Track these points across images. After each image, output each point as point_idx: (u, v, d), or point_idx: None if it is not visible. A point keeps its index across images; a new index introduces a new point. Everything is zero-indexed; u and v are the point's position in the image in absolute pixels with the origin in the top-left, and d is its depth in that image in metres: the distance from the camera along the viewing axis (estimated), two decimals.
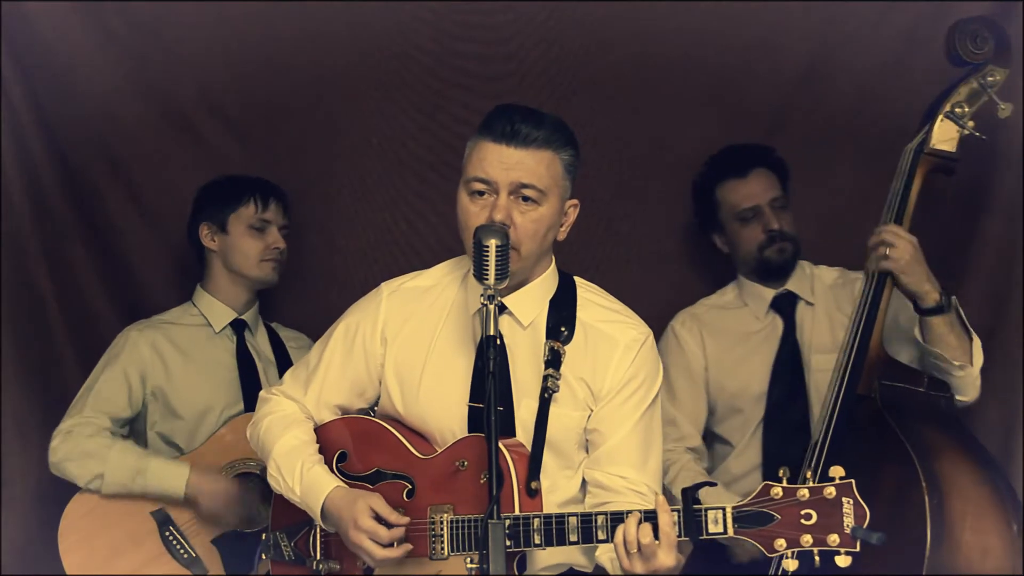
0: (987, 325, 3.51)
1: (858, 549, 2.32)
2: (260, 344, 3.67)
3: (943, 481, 3.01)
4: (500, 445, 2.45)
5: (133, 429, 3.53)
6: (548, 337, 2.65)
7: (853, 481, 2.35)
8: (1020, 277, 3.63)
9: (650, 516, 2.43)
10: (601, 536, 2.46)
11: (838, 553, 2.33)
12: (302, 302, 3.88)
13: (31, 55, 3.70)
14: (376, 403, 2.79)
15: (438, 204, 3.79)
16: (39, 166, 3.75)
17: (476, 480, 2.55)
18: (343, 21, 3.84)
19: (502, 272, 2.47)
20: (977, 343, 3.26)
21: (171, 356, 3.55)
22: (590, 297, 2.73)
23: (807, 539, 2.34)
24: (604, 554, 2.57)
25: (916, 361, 3.35)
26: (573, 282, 2.75)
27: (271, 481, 2.73)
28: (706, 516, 2.41)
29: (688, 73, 3.87)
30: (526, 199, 2.57)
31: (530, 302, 2.68)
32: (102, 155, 3.85)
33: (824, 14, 3.81)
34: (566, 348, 2.64)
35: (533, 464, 2.57)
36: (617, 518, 2.45)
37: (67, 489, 3.40)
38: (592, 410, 2.66)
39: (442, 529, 2.58)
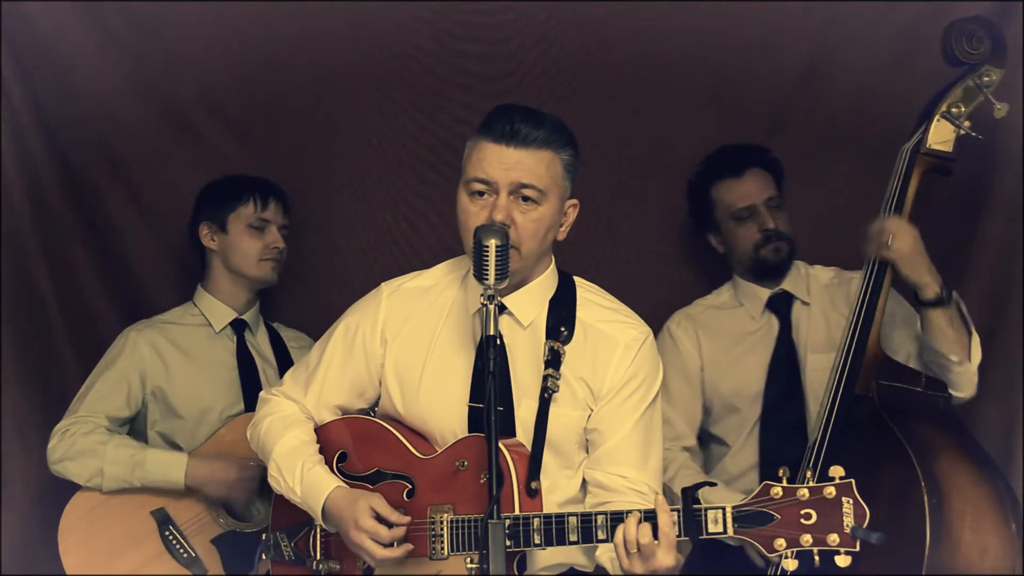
0: (987, 325, 3.51)
1: (858, 549, 2.33)
2: (260, 344, 3.67)
3: (942, 481, 3.02)
4: (500, 445, 2.45)
5: (133, 429, 3.53)
6: (548, 337, 2.65)
7: (853, 481, 2.35)
8: (1020, 277, 3.63)
9: (650, 516, 2.43)
10: (601, 536, 2.46)
11: (838, 553, 2.33)
12: (302, 302, 3.88)
13: (31, 55, 3.70)
14: (376, 403, 2.80)
15: (438, 204, 3.80)
16: (39, 166, 3.75)
17: (476, 480, 2.55)
18: (343, 21, 3.84)
19: (502, 272, 2.47)
20: (976, 339, 3.26)
21: (171, 356, 3.55)
22: (590, 297, 2.73)
23: (807, 539, 2.35)
24: (604, 554, 2.57)
25: (914, 358, 3.35)
26: (573, 282, 2.75)
27: (271, 482, 2.73)
28: (706, 516, 2.42)
29: (688, 73, 3.87)
30: (526, 199, 2.57)
31: (530, 302, 2.68)
32: (102, 155, 3.85)
33: (824, 14, 3.81)
34: (566, 348, 2.64)
35: (533, 464, 2.57)
36: (617, 518, 2.45)
37: (67, 489, 3.41)
38: (592, 410, 2.66)
39: (442, 529, 2.58)
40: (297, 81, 3.89)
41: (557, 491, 2.63)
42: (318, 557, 2.73)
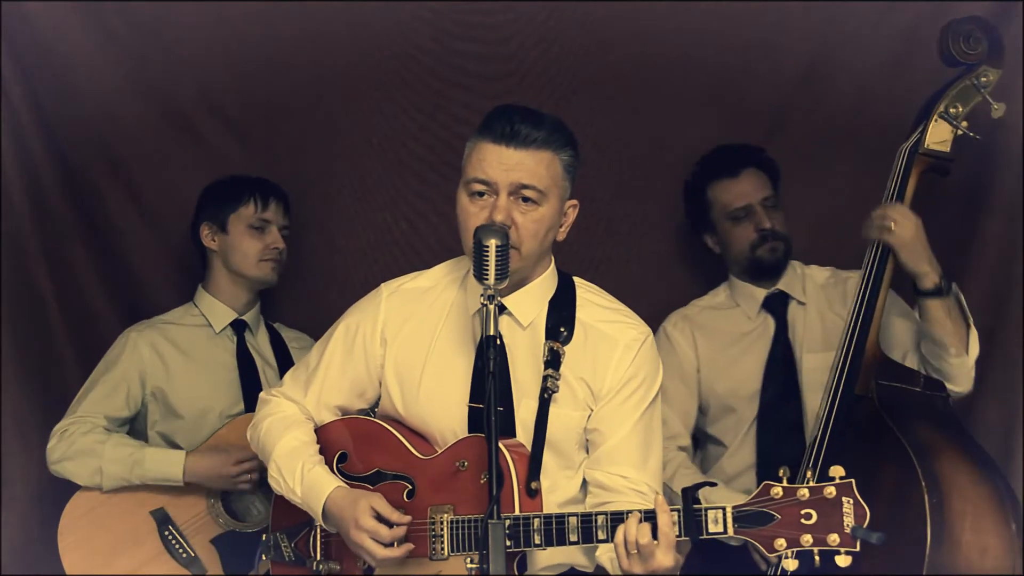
0: (987, 325, 3.51)
1: (858, 549, 2.32)
2: (261, 345, 3.67)
3: (942, 481, 3.02)
4: (500, 445, 2.45)
5: (134, 429, 3.54)
6: (547, 337, 2.65)
7: (853, 481, 2.35)
8: (1020, 277, 3.64)
9: (650, 516, 2.43)
10: (601, 536, 2.46)
11: (838, 553, 2.33)
12: (302, 302, 3.88)
13: (31, 55, 3.70)
14: (376, 404, 2.80)
15: (438, 204, 3.79)
16: (39, 166, 3.75)
17: (476, 480, 2.55)
18: (343, 21, 3.84)
19: (502, 272, 2.47)
20: (974, 333, 3.27)
21: (171, 356, 3.55)
22: (589, 297, 2.73)
23: (807, 539, 2.34)
24: (604, 554, 2.57)
25: (911, 353, 3.36)
26: (572, 282, 2.75)
27: (272, 482, 2.73)
28: (706, 516, 2.41)
29: (688, 73, 3.87)
30: (526, 200, 2.57)
31: (529, 302, 2.68)
32: (102, 155, 3.85)
33: (824, 14, 3.81)
34: (565, 348, 2.64)
35: (533, 464, 2.57)
36: (617, 518, 2.45)
37: (67, 489, 3.41)
38: (592, 410, 2.66)
39: (442, 529, 2.58)
40: (297, 81, 3.89)
41: (557, 491, 2.63)
42: (318, 558, 2.73)
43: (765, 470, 3.46)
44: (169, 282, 3.89)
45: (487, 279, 2.46)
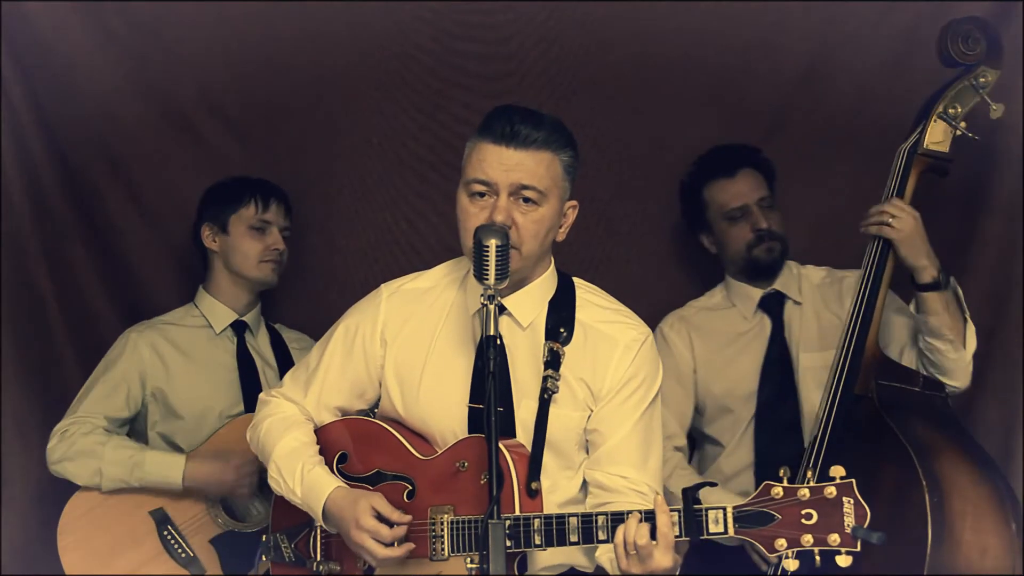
0: (987, 325, 3.52)
1: (859, 549, 2.32)
2: (261, 346, 3.67)
3: (943, 480, 3.02)
4: (500, 445, 2.44)
5: (134, 429, 3.54)
6: (547, 338, 2.65)
7: (854, 481, 2.35)
8: (1020, 277, 3.64)
9: (650, 516, 2.43)
10: (602, 536, 2.46)
11: (839, 553, 2.33)
12: (302, 302, 3.88)
13: (31, 55, 3.70)
14: (376, 404, 2.80)
15: (439, 204, 3.79)
16: (39, 166, 3.75)
17: (476, 481, 2.55)
18: (343, 21, 3.84)
19: (502, 272, 2.47)
20: (971, 327, 3.28)
21: (171, 357, 3.55)
22: (589, 298, 2.73)
23: (808, 539, 2.34)
24: (604, 554, 2.57)
25: (908, 349, 3.37)
26: (572, 283, 2.75)
27: (272, 483, 2.73)
28: (707, 516, 2.41)
29: (688, 73, 3.87)
30: (526, 200, 2.57)
31: (529, 303, 2.68)
32: (102, 155, 3.85)
33: (824, 14, 3.81)
34: (565, 349, 2.63)
35: (533, 464, 2.57)
36: (618, 518, 2.45)
37: (66, 489, 3.41)
38: (592, 410, 2.65)
39: (442, 530, 2.58)
40: (297, 81, 3.89)
41: (557, 491, 2.63)
42: (318, 558, 2.73)
43: (763, 469, 3.47)
44: (169, 282, 3.89)
45: (487, 279, 2.46)
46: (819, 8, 3.81)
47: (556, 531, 2.47)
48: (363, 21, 3.83)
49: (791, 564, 2.37)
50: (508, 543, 2.44)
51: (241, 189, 3.60)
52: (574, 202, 2.68)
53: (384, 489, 2.64)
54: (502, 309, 2.63)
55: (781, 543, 2.36)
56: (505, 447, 2.52)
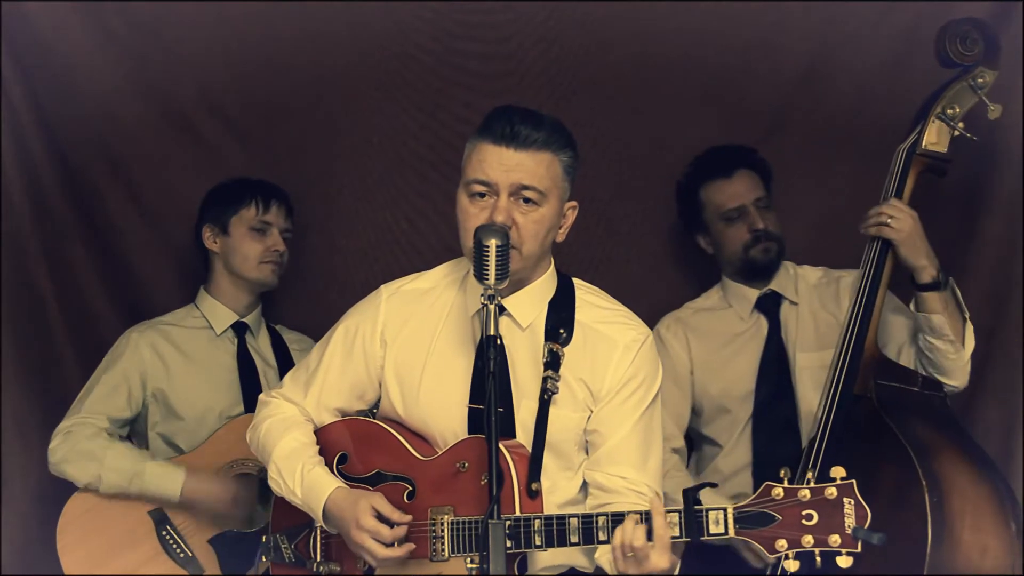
0: (987, 325, 3.52)
1: (859, 549, 2.33)
2: (261, 346, 3.67)
3: (942, 480, 3.02)
4: (500, 446, 2.45)
5: (134, 430, 3.54)
6: (547, 339, 2.65)
7: (854, 481, 2.35)
8: (1020, 277, 3.64)
9: (648, 517, 2.43)
10: (602, 537, 2.46)
11: (839, 553, 2.33)
12: (302, 302, 3.88)
13: (31, 55, 3.70)
14: (376, 405, 2.80)
15: (439, 203, 3.79)
16: (39, 166, 3.75)
17: (477, 481, 2.55)
18: (343, 21, 3.83)
19: (502, 272, 2.47)
20: (970, 327, 3.28)
21: (172, 358, 3.55)
22: (589, 299, 2.73)
23: (808, 540, 2.34)
24: (603, 555, 2.57)
25: (906, 348, 3.37)
26: (572, 284, 2.75)
27: (272, 484, 2.73)
28: (707, 517, 2.42)
29: (688, 73, 3.87)
30: (526, 200, 2.57)
31: (529, 304, 2.68)
32: (102, 155, 3.84)
33: (824, 14, 3.81)
34: (565, 350, 2.63)
35: (533, 465, 2.57)
36: (618, 519, 2.45)
37: (66, 489, 3.41)
38: (592, 411, 2.66)
39: (443, 530, 2.58)
40: (297, 81, 3.89)
41: (557, 492, 2.63)
42: (318, 559, 2.73)
43: (761, 469, 3.47)
44: (169, 282, 3.89)
45: (487, 279, 2.46)
46: (819, 8, 3.81)
47: (556, 532, 2.47)
48: (363, 21, 3.83)
49: (791, 565, 2.37)
50: (508, 543, 2.44)
51: (242, 190, 3.60)
52: (574, 203, 2.68)
53: (384, 490, 2.64)
54: (502, 310, 2.63)
55: (782, 544, 2.36)
56: (505, 448, 2.52)
